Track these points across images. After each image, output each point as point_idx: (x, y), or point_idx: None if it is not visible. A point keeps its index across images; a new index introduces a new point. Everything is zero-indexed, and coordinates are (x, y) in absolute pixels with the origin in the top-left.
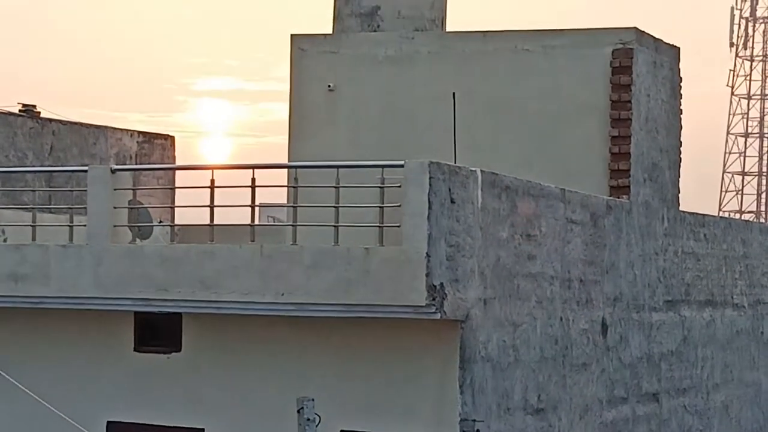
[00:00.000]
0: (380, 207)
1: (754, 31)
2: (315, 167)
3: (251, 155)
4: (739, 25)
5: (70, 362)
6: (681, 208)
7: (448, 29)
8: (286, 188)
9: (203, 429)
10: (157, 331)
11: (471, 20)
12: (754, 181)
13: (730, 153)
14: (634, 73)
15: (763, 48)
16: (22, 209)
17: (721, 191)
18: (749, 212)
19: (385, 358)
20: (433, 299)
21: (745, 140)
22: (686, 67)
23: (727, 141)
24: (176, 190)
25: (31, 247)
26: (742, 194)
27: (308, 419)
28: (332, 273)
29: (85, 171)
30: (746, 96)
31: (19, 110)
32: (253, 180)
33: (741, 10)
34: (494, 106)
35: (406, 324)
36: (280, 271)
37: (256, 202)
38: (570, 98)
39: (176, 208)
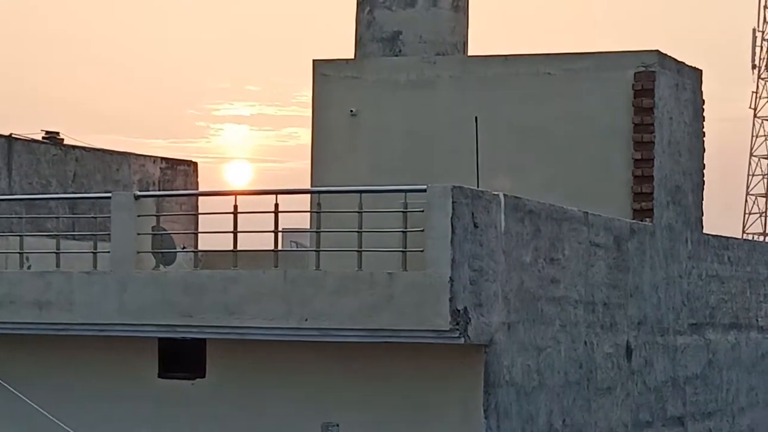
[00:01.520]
0: (403, 232)
1: None
2: (338, 192)
3: (274, 180)
4: (761, 47)
5: (94, 389)
6: (704, 231)
7: (469, 53)
8: (309, 213)
9: None
10: (182, 358)
11: (492, 44)
12: None
13: (753, 175)
14: (656, 96)
15: None
16: (46, 236)
17: (744, 213)
18: None
19: (409, 383)
20: (457, 324)
21: None
22: (708, 89)
23: (750, 163)
24: (199, 216)
25: (55, 273)
26: (765, 216)
27: None
28: (356, 298)
29: (109, 197)
30: None
31: (43, 137)
32: (276, 205)
33: (763, 32)
34: (516, 130)
35: (429, 349)
36: (303, 297)
37: (279, 228)
38: (592, 121)
39: (199, 234)
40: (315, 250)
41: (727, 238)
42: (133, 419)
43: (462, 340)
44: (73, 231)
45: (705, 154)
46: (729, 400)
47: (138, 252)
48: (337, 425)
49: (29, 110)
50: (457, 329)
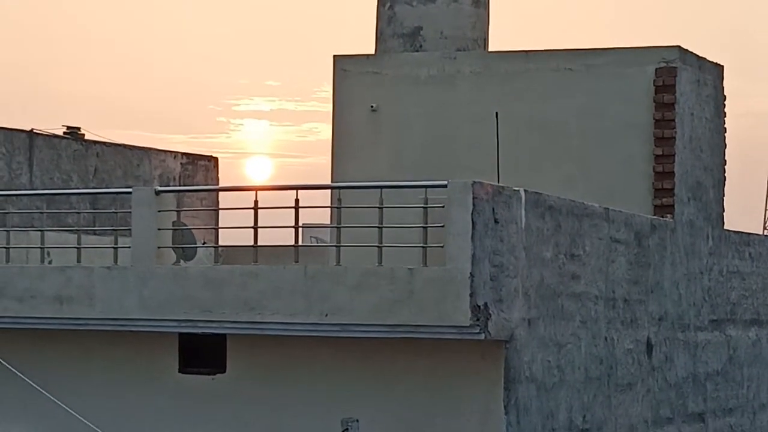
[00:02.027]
0: (424, 227)
1: None
2: (358, 187)
3: (294, 176)
4: None
5: (114, 384)
6: (725, 227)
7: (490, 49)
8: (329, 209)
9: None
10: (202, 353)
11: (513, 40)
12: None
13: None
14: (677, 92)
15: None
16: (67, 231)
17: (765, 209)
18: None
19: (429, 379)
20: (477, 319)
21: None
22: (730, 84)
23: None
24: (220, 211)
25: (75, 268)
26: None
27: None
28: (376, 293)
29: (130, 193)
30: None
31: (64, 132)
32: (297, 201)
33: None
34: (537, 126)
35: (450, 344)
36: (323, 292)
37: (300, 223)
38: (613, 117)
39: (220, 230)
40: (335, 246)
41: (748, 234)
42: (152, 414)
43: (482, 336)
44: (94, 226)
45: (726, 150)
46: (750, 396)
47: (158, 247)
48: (357, 420)
49: (50, 105)
50: (478, 325)
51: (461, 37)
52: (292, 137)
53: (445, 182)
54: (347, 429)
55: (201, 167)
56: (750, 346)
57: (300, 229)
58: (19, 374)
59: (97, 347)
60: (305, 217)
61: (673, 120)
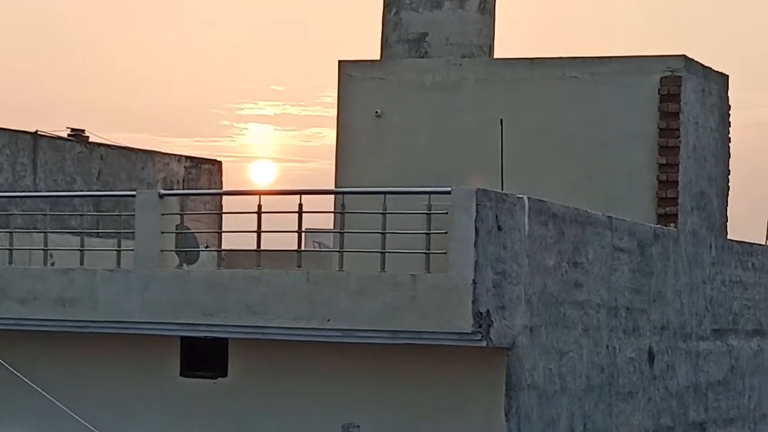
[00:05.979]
0: (427, 233)
1: None
2: (362, 193)
3: (298, 180)
4: None
5: (116, 386)
6: (729, 237)
7: (495, 56)
8: (332, 214)
9: None
10: (204, 357)
11: (518, 47)
12: None
13: None
14: (682, 101)
15: None
16: (70, 233)
17: None
18: None
19: (430, 385)
20: (479, 326)
21: None
22: (736, 94)
23: None
24: (223, 215)
25: (78, 271)
26: None
27: None
28: (378, 299)
29: (133, 196)
30: None
31: (68, 135)
32: (300, 205)
33: None
34: (542, 133)
35: (452, 351)
36: (326, 297)
37: (303, 228)
38: (618, 126)
39: (223, 233)
40: (338, 251)
41: (751, 244)
42: (154, 417)
43: (484, 343)
44: (98, 229)
45: (730, 160)
46: (751, 406)
47: (161, 250)
48: (358, 426)
49: (55, 107)
50: (480, 332)
51: (467, 43)
52: (296, 142)
53: (449, 189)
54: None
55: (205, 171)
56: (752, 356)
57: (303, 234)
58: (20, 376)
59: (99, 350)
60: (308, 221)
61: (678, 129)
